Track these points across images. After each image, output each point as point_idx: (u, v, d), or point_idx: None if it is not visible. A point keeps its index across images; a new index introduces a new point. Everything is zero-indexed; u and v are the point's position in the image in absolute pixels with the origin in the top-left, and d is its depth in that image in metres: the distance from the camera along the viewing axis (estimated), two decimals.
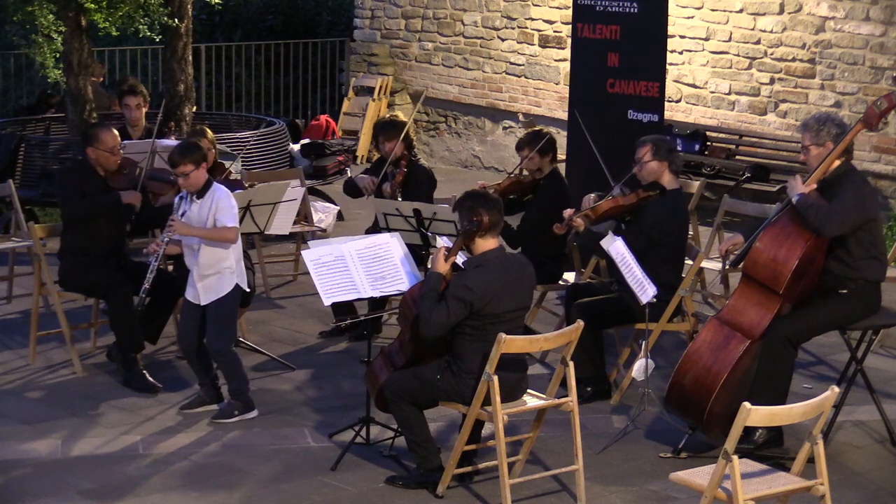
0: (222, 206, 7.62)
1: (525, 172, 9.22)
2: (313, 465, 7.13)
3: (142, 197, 8.38)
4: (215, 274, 7.66)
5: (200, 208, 7.67)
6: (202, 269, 7.67)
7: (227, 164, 9.68)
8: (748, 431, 6.74)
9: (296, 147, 13.32)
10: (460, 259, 6.80)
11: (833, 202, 7.09)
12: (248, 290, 7.88)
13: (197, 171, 7.63)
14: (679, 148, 13.27)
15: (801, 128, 7.46)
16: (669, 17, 10.57)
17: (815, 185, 7.21)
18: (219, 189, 7.69)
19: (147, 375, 8.25)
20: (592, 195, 8.28)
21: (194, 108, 12.78)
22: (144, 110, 10.69)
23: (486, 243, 6.68)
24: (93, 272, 8.33)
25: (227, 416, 7.74)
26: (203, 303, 7.71)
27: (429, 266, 6.83)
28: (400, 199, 8.97)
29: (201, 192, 7.67)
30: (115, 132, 8.53)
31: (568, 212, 8.15)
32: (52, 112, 13.77)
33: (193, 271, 7.71)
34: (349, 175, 12.66)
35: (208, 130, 9.01)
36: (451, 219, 8.08)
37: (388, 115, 9.80)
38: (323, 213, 12.07)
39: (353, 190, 9.55)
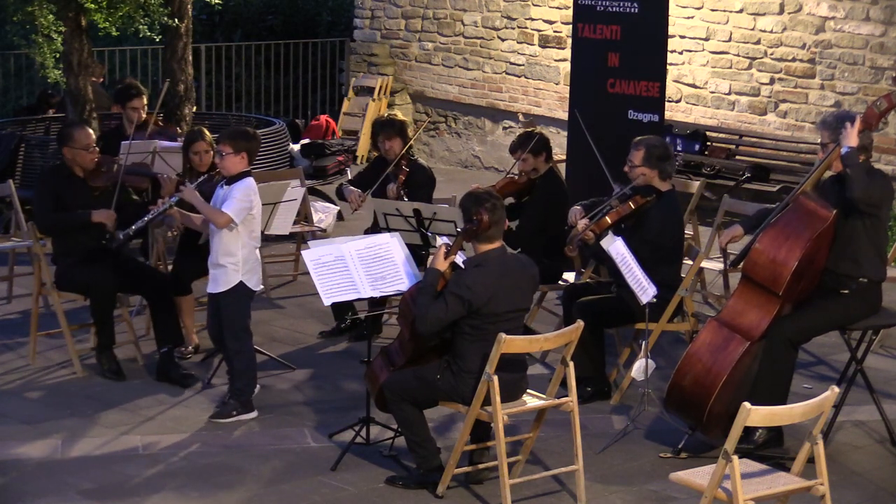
0: (233, 195, 7.66)
1: (521, 173, 9.23)
2: (313, 465, 7.13)
3: (115, 215, 8.35)
4: (220, 266, 7.73)
5: (224, 194, 7.73)
6: (212, 257, 7.78)
7: None
8: (748, 431, 6.74)
9: (296, 147, 13.32)
10: (460, 259, 6.81)
11: None
12: (256, 289, 7.90)
13: (234, 156, 7.68)
14: (679, 148, 13.29)
15: (819, 125, 7.47)
16: (669, 17, 10.56)
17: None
18: (244, 182, 7.71)
19: (116, 359, 8.44)
20: (578, 207, 8.28)
21: (194, 109, 12.77)
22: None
23: (489, 245, 6.69)
24: (80, 272, 8.37)
25: (225, 416, 7.74)
26: (209, 290, 7.84)
27: (430, 263, 6.84)
28: (406, 200, 8.98)
29: (231, 181, 7.73)
30: (90, 130, 8.55)
31: (580, 224, 8.09)
32: (52, 112, 13.77)
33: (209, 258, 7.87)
34: (348, 175, 12.68)
35: (206, 132, 8.99)
36: (451, 219, 8.09)
37: (386, 114, 9.79)
38: (323, 213, 12.07)
39: (343, 197, 9.59)
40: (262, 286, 8.08)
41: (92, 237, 8.39)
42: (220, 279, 7.72)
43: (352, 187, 9.48)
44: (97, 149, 8.55)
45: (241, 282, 7.72)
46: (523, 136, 9.28)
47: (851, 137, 7.10)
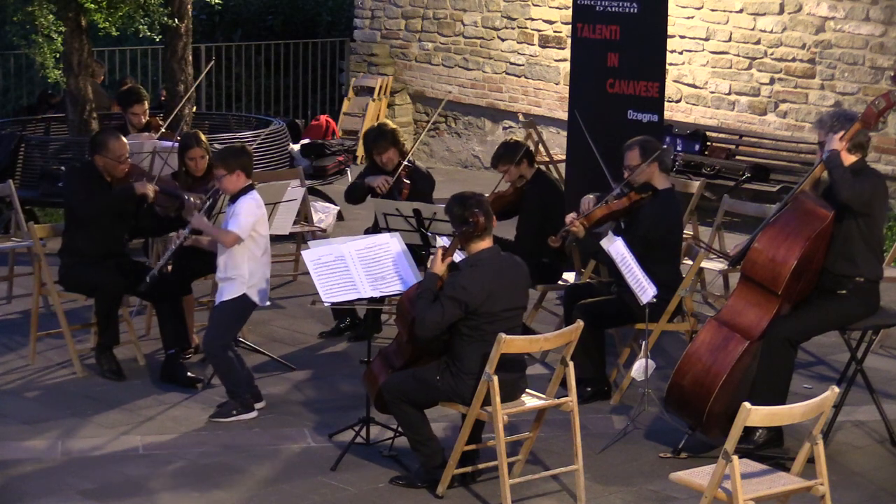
0: (237, 212, 7.72)
1: (507, 184, 9.20)
2: (313, 465, 7.13)
3: (158, 189, 8.35)
4: (227, 279, 7.77)
5: (230, 212, 7.79)
6: (219, 270, 7.82)
7: None
8: (748, 431, 6.73)
9: (296, 147, 13.31)
10: (458, 257, 6.81)
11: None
12: (261, 304, 7.91)
13: (229, 176, 7.75)
14: (679, 148, 13.29)
15: (816, 124, 7.48)
16: (669, 17, 10.56)
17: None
18: (246, 198, 7.76)
19: (116, 359, 8.44)
20: (591, 196, 8.25)
21: (194, 109, 12.77)
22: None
23: (482, 243, 6.70)
24: (88, 272, 8.36)
25: (225, 416, 7.75)
26: (216, 301, 7.88)
27: (428, 267, 6.84)
28: None
29: (234, 198, 7.79)
30: (124, 140, 8.51)
31: (568, 217, 8.10)
32: (52, 112, 13.77)
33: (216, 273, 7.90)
34: (348, 175, 12.66)
35: (202, 137, 8.97)
36: None
37: (375, 124, 9.65)
38: (323, 213, 12.06)
39: (360, 194, 9.26)
40: (269, 302, 8.08)
41: (103, 241, 8.40)
42: (226, 291, 7.78)
43: (368, 176, 9.17)
44: (129, 160, 8.55)
45: (244, 294, 7.75)
46: (500, 148, 9.25)
47: (833, 141, 7.13)
